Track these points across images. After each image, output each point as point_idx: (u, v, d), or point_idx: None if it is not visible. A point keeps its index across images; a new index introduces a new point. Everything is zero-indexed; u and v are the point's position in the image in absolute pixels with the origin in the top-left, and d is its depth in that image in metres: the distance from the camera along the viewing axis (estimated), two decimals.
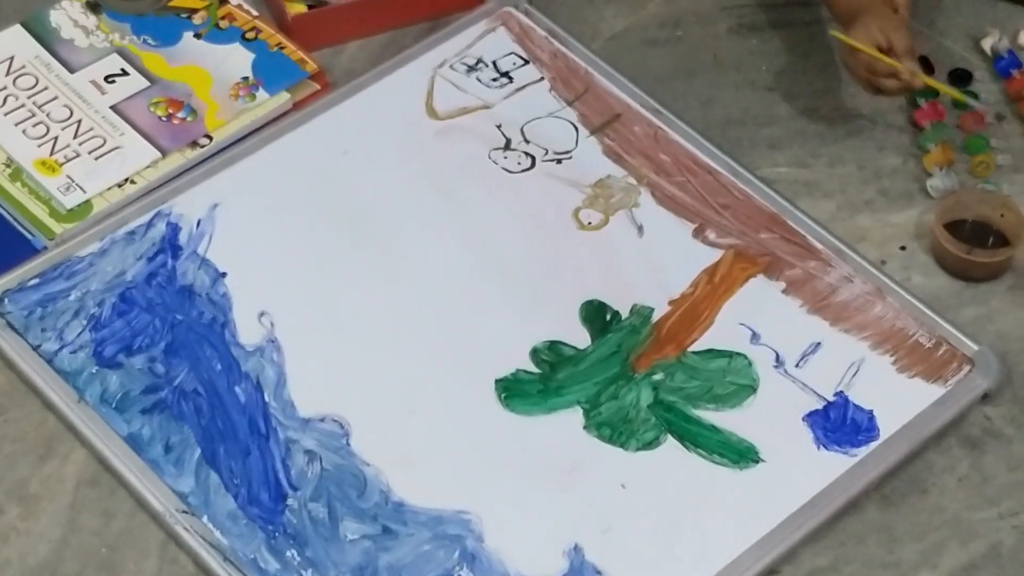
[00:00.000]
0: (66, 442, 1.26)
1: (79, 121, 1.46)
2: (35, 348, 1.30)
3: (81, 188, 1.41)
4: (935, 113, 1.49)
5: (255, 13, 1.56)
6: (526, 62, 1.52)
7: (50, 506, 1.23)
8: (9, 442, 1.26)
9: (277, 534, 1.19)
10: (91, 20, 1.54)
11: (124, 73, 1.50)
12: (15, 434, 1.27)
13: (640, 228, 1.40)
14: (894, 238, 1.41)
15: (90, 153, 1.44)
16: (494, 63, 1.52)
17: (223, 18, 1.55)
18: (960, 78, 1.53)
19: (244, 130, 1.46)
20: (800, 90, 1.53)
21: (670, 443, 1.25)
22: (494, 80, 1.50)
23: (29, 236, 1.38)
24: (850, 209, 1.43)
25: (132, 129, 1.45)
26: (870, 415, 1.27)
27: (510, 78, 1.51)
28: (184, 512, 1.20)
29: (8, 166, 1.43)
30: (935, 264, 1.39)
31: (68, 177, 1.42)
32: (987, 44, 1.55)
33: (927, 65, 1.53)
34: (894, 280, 1.36)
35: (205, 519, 1.20)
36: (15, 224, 1.39)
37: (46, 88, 1.49)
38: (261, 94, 1.49)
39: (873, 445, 1.25)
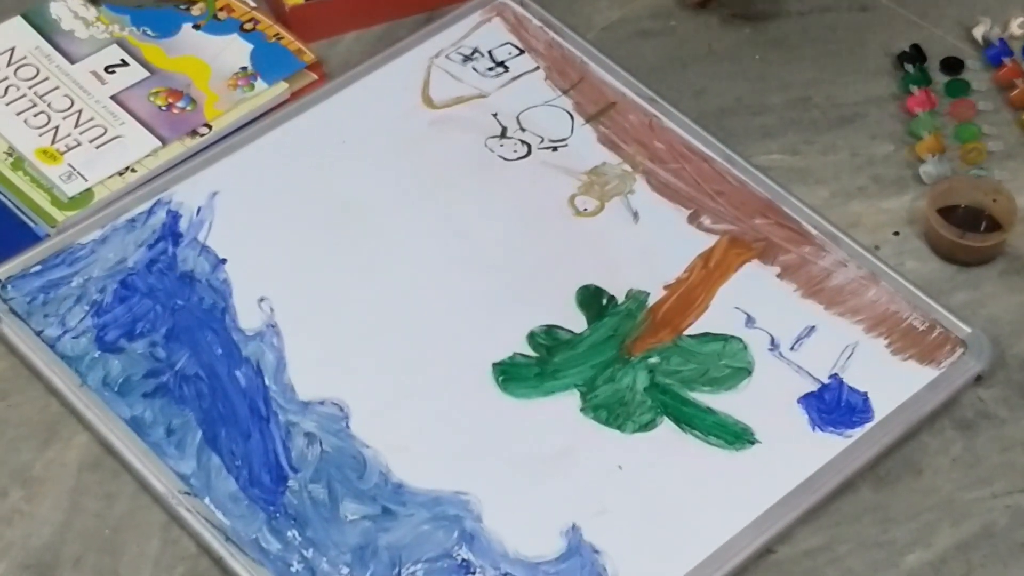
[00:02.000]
0: (69, 426, 1.27)
1: (80, 111, 1.47)
2: (38, 333, 1.30)
3: (82, 176, 1.42)
4: (927, 101, 1.50)
5: (253, 4, 1.57)
6: (521, 52, 1.53)
7: (53, 489, 1.24)
8: (12, 427, 1.27)
9: (278, 515, 1.20)
10: (91, 12, 1.56)
11: (124, 64, 1.51)
12: (18, 419, 1.28)
13: (635, 214, 1.41)
14: (887, 224, 1.43)
15: (91, 142, 1.45)
16: (489, 53, 1.53)
17: (221, 9, 1.56)
18: (951, 67, 1.54)
19: (243, 119, 1.47)
20: (793, 79, 1.54)
21: (666, 425, 1.26)
22: (490, 70, 1.52)
23: (31, 224, 1.39)
24: (843, 196, 1.45)
25: (132, 119, 1.46)
26: (864, 397, 1.28)
27: (505, 67, 1.52)
28: (186, 494, 1.21)
29: (10, 155, 1.44)
30: (928, 249, 1.40)
31: (69, 166, 1.43)
32: (978, 32, 1.56)
33: (919, 54, 1.54)
34: (888, 265, 1.37)
35: (207, 500, 1.21)
36: (17, 212, 1.40)
37: (47, 78, 1.50)
38: (259, 84, 1.50)
39: (867, 427, 1.26)
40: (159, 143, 1.45)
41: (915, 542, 1.22)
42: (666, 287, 1.35)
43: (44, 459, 1.25)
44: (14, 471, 1.25)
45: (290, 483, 1.22)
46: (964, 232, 1.38)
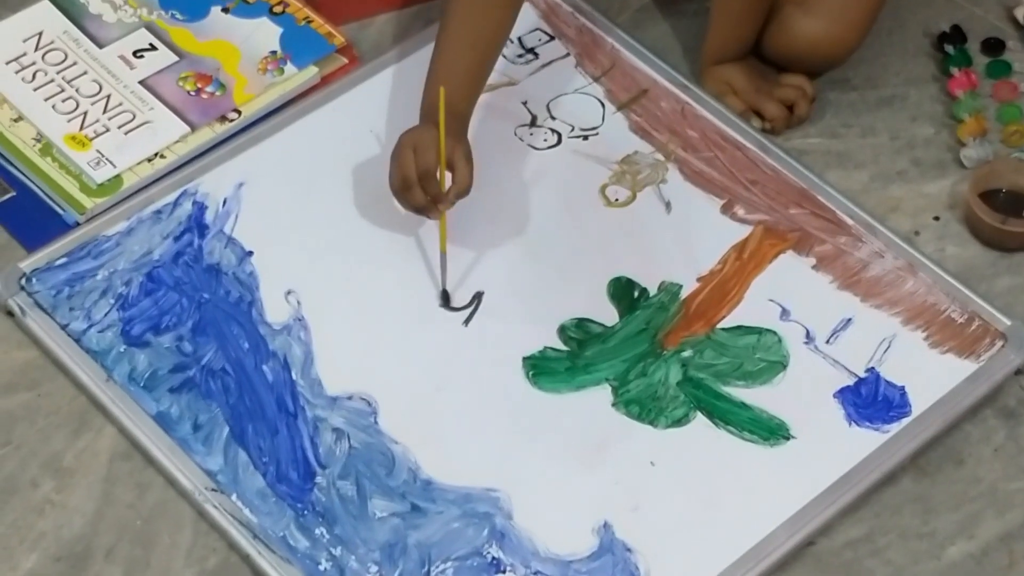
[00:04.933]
0: (100, 415, 1.27)
1: (108, 96, 1.46)
2: (63, 327, 1.30)
3: (111, 163, 1.41)
4: (969, 82, 1.47)
5: None
6: (552, 38, 1.51)
7: (84, 479, 1.23)
8: (43, 416, 1.27)
9: (306, 512, 1.20)
10: None
11: (152, 48, 1.50)
12: (49, 407, 1.27)
13: (668, 204, 1.39)
14: (927, 208, 1.40)
15: (120, 128, 1.44)
16: (519, 39, 1.50)
17: None
18: (992, 47, 1.51)
19: (273, 104, 1.46)
20: None
21: (700, 420, 1.25)
22: (519, 56, 1.49)
23: (60, 211, 1.39)
24: (883, 179, 1.42)
25: (161, 104, 1.45)
26: (902, 391, 1.26)
27: (535, 54, 1.50)
28: (213, 490, 1.20)
29: (38, 141, 1.43)
30: (969, 234, 1.38)
31: (98, 152, 1.42)
32: (1020, 13, 1.53)
33: (959, 34, 1.51)
34: (925, 255, 1.35)
35: (234, 497, 1.20)
36: (46, 199, 1.40)
37: (75, 63, 1.49)
38: (289, 68, 1.48)
39: (905, 421, 1.24)
40: (188, 128, 1.44)
41: (957, 533, 1.20)
42: (699, 279, 1.33)
43: (76, 448, 1.25)
44: (46, 461, 1.24)
45: (318, 479, 1.21)
46: (1006, 217, 1.36)
